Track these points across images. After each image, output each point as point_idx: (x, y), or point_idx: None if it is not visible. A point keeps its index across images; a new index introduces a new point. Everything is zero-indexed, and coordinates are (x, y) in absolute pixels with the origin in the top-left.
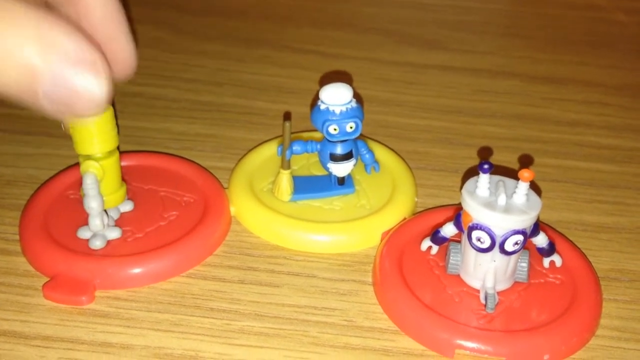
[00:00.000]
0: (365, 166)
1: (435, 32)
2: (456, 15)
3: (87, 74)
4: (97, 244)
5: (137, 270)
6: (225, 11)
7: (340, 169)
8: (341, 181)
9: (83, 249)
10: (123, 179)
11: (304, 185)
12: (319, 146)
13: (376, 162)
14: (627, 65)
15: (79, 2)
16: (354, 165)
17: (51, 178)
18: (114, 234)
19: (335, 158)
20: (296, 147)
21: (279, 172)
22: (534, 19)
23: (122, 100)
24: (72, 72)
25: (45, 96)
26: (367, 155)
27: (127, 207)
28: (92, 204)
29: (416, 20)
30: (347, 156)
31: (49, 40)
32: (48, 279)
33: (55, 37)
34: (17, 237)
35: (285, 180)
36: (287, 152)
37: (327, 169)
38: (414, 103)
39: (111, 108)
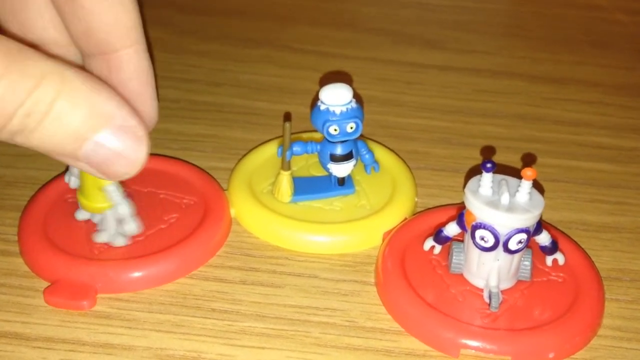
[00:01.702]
0: (365, 166)
1: (436, 32)
2: (456, 15)
3: (129, 140)
4: (121, 241)
5: (138, 274)
6: (225, 11)
7: (340, 170)
8: (341, 182)
9: (83, 253)
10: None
11: (304, 186)
12: (319, 147)
13: (376, 162)
14: (627, 65)
15: (113, 56)
16: (354, 165)
17: (51, 180)
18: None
19: (335, 158)
20: (296, 148)
21: (279, 173)
22: (534, 18)
23: None
24: (114, 139)
25: (85, 157)
26: (367, 156)
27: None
28: (125, 210)
29: (416, 20)
30: (347, 157)
31: (98, 109)
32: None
33: (104, 107)
34: (17, 238)
35: (285, 182)
36: (288, 153)
37: (327, 169)
38: (414, 103)
39: None
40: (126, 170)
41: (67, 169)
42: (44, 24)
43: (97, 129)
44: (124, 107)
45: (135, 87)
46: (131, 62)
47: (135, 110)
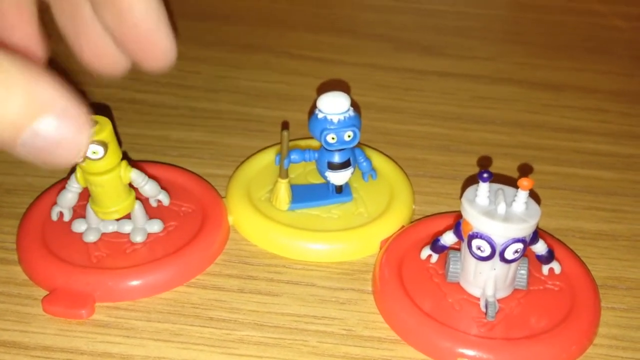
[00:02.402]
0: (363, 174)
1: (434, 38)
2: (455, 21)
3: (69, 126)
4: (139, 239)
5: (136, 283)
6: (224, 17)
7: (338, 178)
8: (339, 189)
9: (82, 262)
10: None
11: (302, 194)
12: (316, 155)
13: (373, 170)
14: (626, 71)
15: (114, 3)
16: (352, 173)
17: (50, 187)
18: (156, 227)
19: (333, 167)
20: (294, 156)
21: (276, 181)
22: (532, 25)
23: (119, 108)
24: (53, 127)
25: (22, 146)
26: (364, 163)
27: (155, 227)
28: (153, 187)
29: (415, 26)
30: (344, 165)
31: (37, 97)
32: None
33: (43, 94)
34: (16, 246)
35: (283, 190)
36: (285, 162)
37: (324, 177)
38: (413, 109)
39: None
40: (66, 158)
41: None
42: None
43: (35, 117)
44: (64, 93)
45: (148, 26)
46: (140, 2)
47: (149, 47)
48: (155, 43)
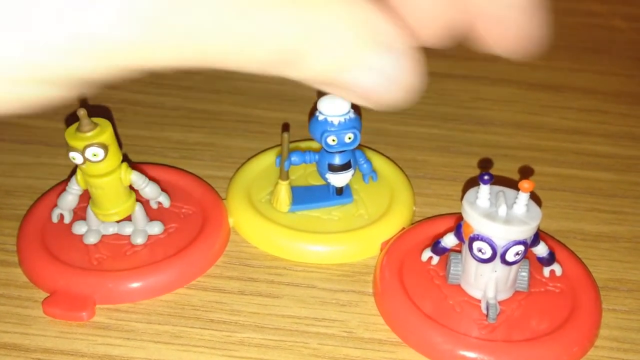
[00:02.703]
0: (363, 176)
1: None
2: None
3: (402, 65)
4: (139, 241)
5: (137, 285)
6: None
7: (338, 180)
8: (339, 191)
9: (82, 264)
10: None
11: (303, 196)
12: (317, 156)
13: (374, 171)
14: (625, 72)
15: None
16: (352, 175)
17: (50, 189)
18: (156, 229)
19: (333, 168)
20: (294, 158)
21: (277, 183)
22: None
23: (120, 109)
24: (387, 63)
25: (353, 83)
26: (364, 165)
27: (156, 229)
28: (153, 189)
29: None
30: (345, 166)
31: (374, 32)
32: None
33: (381, 29)
34: (16, 248)
35: (284, 191)
36: (286, 163)
37: (325, 179)
38: (413, 111)
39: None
40: (394, 97)
41: (61, 187)
42: None
43: (371, 53)
44: (399, 30)
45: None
46: None
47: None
48: (520, 22)
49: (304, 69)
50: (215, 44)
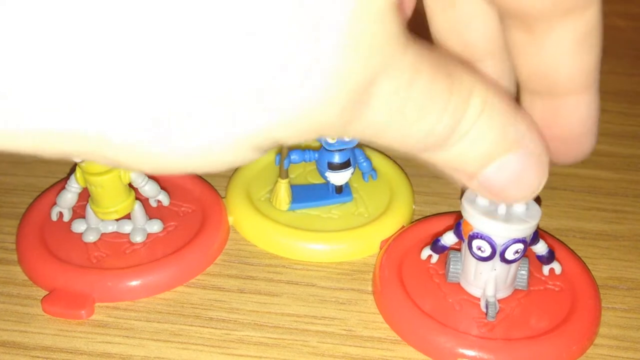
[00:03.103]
0: (363, 174)
1: None
2: None
3: (532, 165)
4: (138, 240)
5: (136, 283)
6: None
7: (338, 178)
8: (339, 190)
9: (81, 262)
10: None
11: (302, 194)
12: (316, 155)
13: (374, 170)
14: (625, 71)
15: (560, 99)
16: (352, 173)
17: (50, 187)
18: (155, 227)
19: (333, 167)
20: (294, 156)
21: (277, 182)
22: None
23: None
24: (518, 163)
25: (484, 179)
26: (364, 164)
27: (155, 227)
28: (152, 187)
29: (415, 25)
30: (344, 165)
31: (510, 132)
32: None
33: (517, 130)
34: (16, 247)
35: (283, 190)
36: (285, 162)
37: (325, 177)
38: None
39: None
40: (522, 195)
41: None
42: (480, 35)
43: (505, 152)
44: (534, 130)
45: (580, 131)
46: (583, 107)
47: (561, 152)
48: (577, 145)
49: (438, 156)
50: (391, 133)
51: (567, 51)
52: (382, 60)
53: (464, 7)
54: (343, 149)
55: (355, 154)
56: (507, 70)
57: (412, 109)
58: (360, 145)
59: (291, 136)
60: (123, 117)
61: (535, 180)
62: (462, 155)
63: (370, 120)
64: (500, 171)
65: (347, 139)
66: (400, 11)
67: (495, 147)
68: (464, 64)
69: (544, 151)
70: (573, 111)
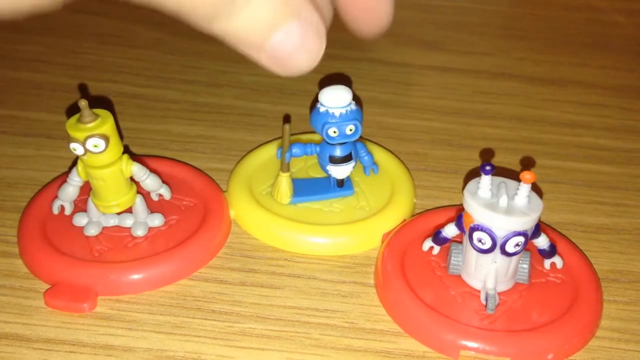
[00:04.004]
0: (364, 168)
1: (435, 33)
2: (455, 17)
3: (312, 34)
4: (140, 233)
5: (138, 276)
6: None
7: (339, 172)
8: (340, 183)
9: (83, 255)
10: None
11: (304, 188)
12: (318, 149)
13: (375, 164)
14: (626, 67)
15: None
16: (353, 167)
17: (51, 181)
18: (157, 221)
19: (334, 160)
20: (295, 150)
21: (278, 175)
22: (532, 20)
23: (121, 102)
24: (300, 32)
25: (271, 49)
26: (366, 158)
27: (157, 221)
28: (154, 181)
29: (415, 22)
30: (346, 158)
31: (290, 2)
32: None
33: (298, 3)
34: (17, 240)
35: (284, 183)
36: (287, 155)
37: (326, 171)
38: (414, 104)
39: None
40: (305, 64)
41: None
42: None
43: (287, 22)
44: (310, 2)
45: None
46: None
47: (366, 19)
48: (377, 8)
49: (227, 26)
50: None
51: None
52: None
53: None
54: (345, 143)
55: (357, 148)
56: None
57: None
58: (362, 140)
59: None
60: None
61: (316, 47)
62: (249, 23)
63: None
64: (286, 39)
65: (347, 133)
66: None
67: (278, 14)
68: None
69: (320, 21)
70: None
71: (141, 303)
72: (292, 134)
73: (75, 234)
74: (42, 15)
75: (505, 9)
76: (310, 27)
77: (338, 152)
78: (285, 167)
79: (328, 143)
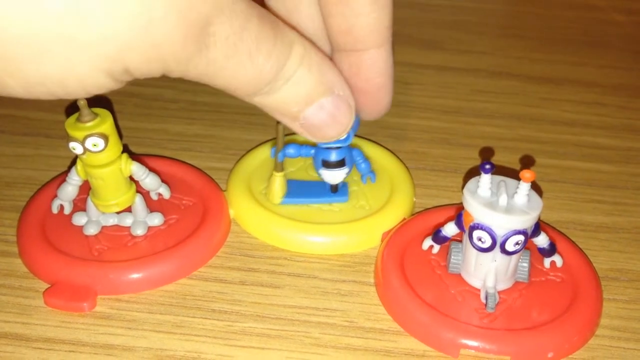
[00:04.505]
0: (362, 176)
1: (433, 32)
2: (453, 16)
3: (343, 107)
4: (139, 232)
5: (138, 276)
6: None
7: (331, 176)
8: (334, 189)
9: (83, 254)
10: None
11: (298, 190)
12: (313, 151)
13: (372, 172)
14: (624, 65)
15: (364, 53)
16: (347, 174)
17: (50, 181)
18: (156, 220)
19: (327, 165)
20: (290, 151)
21: (272, 175)
22: (531, 19)
23: (120, 101)
24: (332, 105)
25: (304, 119)
26: (362, 165)
27: (156, 220)
28: (153, 180)
29: (414, 21)
30: (339, 164)
31: (325, 78)
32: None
33: (330, 76)
34: (16, 240)
35: (277, 183)
36: (280, 155)
37: (319, 175)
38: (413, 103)
39: (111, 116)
40: (336, 134)
41: (59, 186)
42: (305, 17)
43: (322, 95)
44: (341, 77)
45: (379, 82)
46: (380, 60)
47: (368, 106)
48: (378, 98)
49: (267, 99)
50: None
51: (364, 10)
52: (215, 3)
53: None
54: (339, 147)
55: (352, 155)
56: (323, 35)
57: (244, 52)
58: (361, 139)
59: (139, 63)
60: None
61: (345, 120)
62: (287, 98)
63: (209, 58)
64: (319, 112)
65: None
66: None
67: (313, 91)
68: (286, 23)
69: (350, 96)
70: (372, 63)
71: (141, 302)
72: (288, 135)
73: (75, 233)
74: None
75: (503, 7)
76: (342, 101)
77: (332, 157)
78: (278, 166)
79: (321, 147)
